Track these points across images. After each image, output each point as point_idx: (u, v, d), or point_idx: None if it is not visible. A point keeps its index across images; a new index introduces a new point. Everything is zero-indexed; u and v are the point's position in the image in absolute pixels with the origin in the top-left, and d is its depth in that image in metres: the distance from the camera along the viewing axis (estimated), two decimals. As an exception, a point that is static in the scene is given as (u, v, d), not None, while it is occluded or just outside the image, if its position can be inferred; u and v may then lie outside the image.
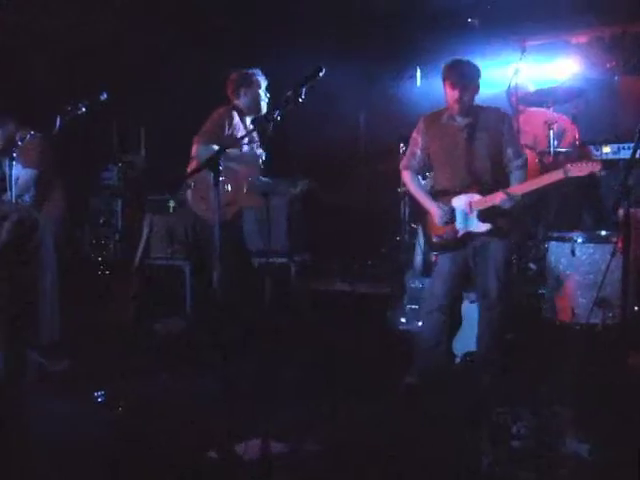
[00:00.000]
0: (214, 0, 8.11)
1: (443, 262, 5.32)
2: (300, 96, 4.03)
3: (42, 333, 5.61)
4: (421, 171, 5.54)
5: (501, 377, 5.17)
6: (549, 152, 6.60)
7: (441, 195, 5.27)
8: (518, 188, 5.01)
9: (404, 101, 8.69)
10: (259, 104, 5.97)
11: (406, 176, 5.48)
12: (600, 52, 8.38)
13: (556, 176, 4.93)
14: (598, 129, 7.23)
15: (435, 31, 8.60)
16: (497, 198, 5.00)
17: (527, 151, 5.64)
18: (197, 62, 8.32)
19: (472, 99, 5.08)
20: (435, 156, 5.34)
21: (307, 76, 4.06)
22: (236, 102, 5.96)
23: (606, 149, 6.62)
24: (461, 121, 5.14)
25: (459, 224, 5.16)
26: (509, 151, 5.12)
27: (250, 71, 5.99)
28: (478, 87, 5.09)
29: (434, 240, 5.31)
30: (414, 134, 5.41)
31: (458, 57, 5.15)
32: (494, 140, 5.10)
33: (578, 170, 4.81)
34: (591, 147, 6.76)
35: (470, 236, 5.15)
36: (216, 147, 5.33)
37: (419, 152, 5.37)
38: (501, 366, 5.22)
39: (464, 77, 5.01)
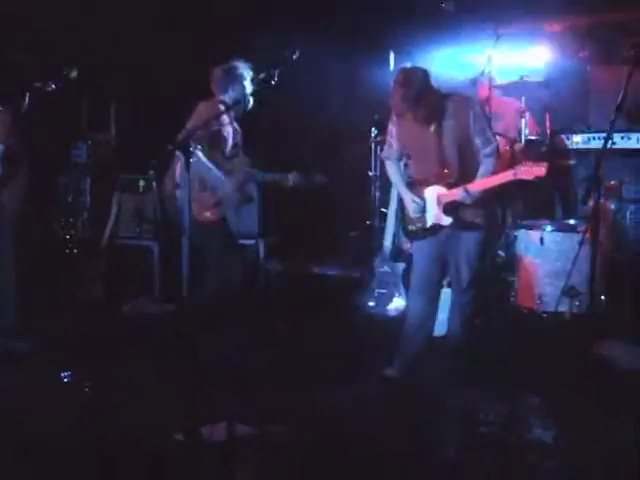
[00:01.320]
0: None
1: (418, 249, 5.38)
2: (273, 79, 4.02)
3: (3, 315, 5.60)
4: (400, 159, 5.53)
5: (469, 362, 5.22)
6: (520, 140, 6.64)
7: (416, 185, 5.30)
8: (475, 185, 4.99)
9: (376, 85, 8.68)
10: (246, 97, 5.87)
11: (388, 166, 5.51)
12: (573, 41, 8.39)
13: (507, 177, 4.92)
14: (569, 118, 7.26)
15: (409, 15, 8.59)
16: (457, 194, 5.02)
17: (498, 139, 5.65)
18: (169, 41, 8.25)
19: (430, 102, 5.06)
20: (408, 147, 5.37)
21: (280, 59, 4.04)
22: (222, 97, 5.87)
23: (577, 139, 6.64)
24: (424, 119, 5.13)
25: (428, 215, 5.19)
26: (477, 141, 5.08)
27: (235, 64, 5.89)
28: (431, 91, 5.03)
29: (408, 228, 5.36)
30: (389, 125, 5.41)
31: (404, 67, 5.14)
32: (462, 129, 5.06)
33: (526, 173, 4.80)
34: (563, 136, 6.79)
35: (439, 227, 5.17)
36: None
37: (394, 142, 5.39)
38: (469, 351, 5.27)
39: (410, 99, 4.91)
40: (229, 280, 5.83)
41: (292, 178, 6.00)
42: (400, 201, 5.44)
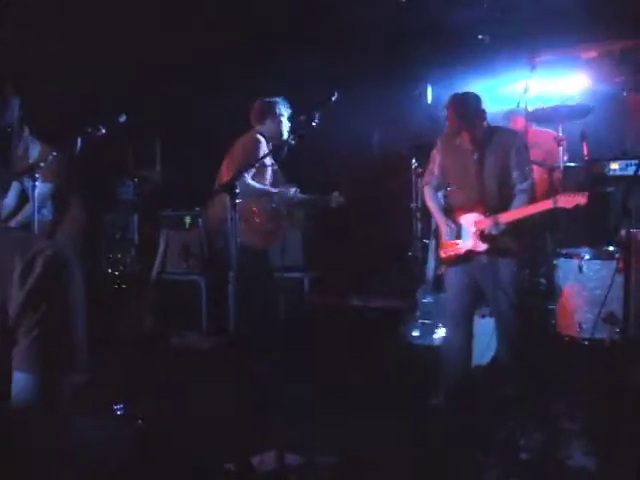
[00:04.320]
0: (230, 20, 8.22)
1: (450, 276, 5.50)
2: (313, 120, 4.17)
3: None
4: (439, 187, 5.68)
5: (514, 390, 5.31)
6: (559, 167, 6.71)
7: (452, 212, 5.47)
8: (506, 216, 5.14)
9: (416, 118, 8.79)
10: (281, 132, 6.11)
11: (425, 191, 5.68)
12: (609, 66, 8.43)
13: (545, 205, 5.10)
14: (606, 145, 7.30)
15: (445, 48, 8.70)
16: (487, 223, 5.16)
17: (536, 168, 5.76)
18: (212, 79, 8.45)
19: (480, 127, 5.22)
20: (449, 174, 5.54)
21: (320, 101, 4.20)
22: (259, 128, 6.10)
23: (614, 165, 6.69)
24: (473, 145, 5.29)
25: (463, 241, 5.34)
26: (514, 174, 5.23)
27: (274, 99, 6.14)
28: (483, 115, 5.23)
29: (442, 254, 5.51)
30: (433, 152, 5.61)
31: (457, 93, 5.30)
32: (503, 162, 5.23)
33: (566, 202, 4.96)
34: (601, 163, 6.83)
35: (473, 253, 5.30)
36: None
37: (436, 170, 5.57)
38: (522, 378, 5.36)
39: (466, 117, 5.15)
40: (271, 308, 6.00)
41: (334, 199, 6.25)
42: (436, 229, 5.59)
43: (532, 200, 5.26)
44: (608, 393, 4.80)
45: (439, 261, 5.63)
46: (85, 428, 4.17)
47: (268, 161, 5.89)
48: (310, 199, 6.46)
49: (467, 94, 5.27)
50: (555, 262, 5.99)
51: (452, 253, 5.41)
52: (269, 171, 6.08)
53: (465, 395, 5.37)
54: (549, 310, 6.13)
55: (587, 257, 5.70)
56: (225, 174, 5.97)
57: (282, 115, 6.12)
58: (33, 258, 1.78)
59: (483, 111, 5.22)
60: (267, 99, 6.17)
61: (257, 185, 5.88)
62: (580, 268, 5.65)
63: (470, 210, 5.32)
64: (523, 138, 5.43)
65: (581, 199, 4.93)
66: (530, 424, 4.76)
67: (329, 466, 4.24)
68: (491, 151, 5.25)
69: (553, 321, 5.96)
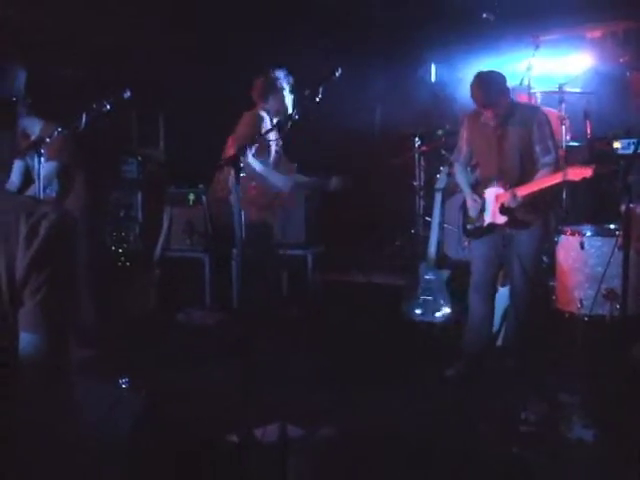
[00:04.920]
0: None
1: (475, 249, 5.67)
2: (317, 95, 4.19)
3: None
4: (468, 163, 5.84)
5: (521, 363, 5.42)
6: (561, 146, 6.73)
7: (479, 187, 5.63)
8: (522, 189, 5.26)
9: (419, 96, 8.80)
10: (285, 106, 6.15)
11: (455, 168, 5.87)
12: (614, 47, 8.43)
13: (556, 178, 5.19)
14: (609, 124, 7.32)
15: (450, 27, 8.70)
16: (506, 196, 5.26)
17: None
18: (216, 57, 8.46)
19: (504, 105, 5.28)
20: (475, 151, 5.69)
21: (324, 76, 4.22)
22: (264, 105, 6.13)
23: (616, 144, 6.71)
24: (496, 121, 5.36)
25: (486, 215, 5.49)
26: (537, 148, 5.34)
27: (275, 74, 6.16)
28: (508, 94, 5.29)
29: (468, 227, 5.67)
30: (461, 129, 5.76)
31: (482, 71, 5.36)
32: (525, 137, 5.34)
33: (573, 174, 5.06)
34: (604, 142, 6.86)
35: (495, 226, 5.44)
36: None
37: (464, 147, 5.73)
38: (524, 354, 5.49)
39: (492, 96, 5.22)
40: (274, 283, 6.06)
41: (333, 183, 6.30)
42: (464, 204, 5.70)
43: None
44: (607, 368, 4.85)
45: (464, 233, 5.70)
46: (91, 398, 4.22)
47: (272, 137, 5.91)
48: (308, 182, 6.52)
49: (492, 72, 5.35)
50: (556, 239, 6.02)
51: (477, 226, 5.56)
52: (272, 148, 6.11)
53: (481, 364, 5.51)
54: (550, 287, 6.17)
55: (589, 234, 5.72)
56: (229, 151, 6.00)
57: (284, 89, 6.15)
58: (38, 221, 1.82)
59: (507, 89, 5.31)
60: (268, 75, 6.18)
61: (257, 167, 5.91)
62: (582, 245, 5.68)
63: (493, 185, 5.46)
64: (544, 113, 5.49)
65: (588, 172, 5.03)
66: (531, 397, 4.81)
67: (331, 439, 4.29)
68: (514, 126, 5.36)
69: (554, 297, 5.99)
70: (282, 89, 6.13)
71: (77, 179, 6.27)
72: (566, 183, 5.22)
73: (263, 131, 5.89)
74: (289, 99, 6.15)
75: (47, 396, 1.89)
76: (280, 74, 6.18)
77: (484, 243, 5.56)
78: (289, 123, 4.65)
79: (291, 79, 6.18)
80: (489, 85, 5.24)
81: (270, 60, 6.37)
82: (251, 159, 5.81)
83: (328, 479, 3.97)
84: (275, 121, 6.08)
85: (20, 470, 1.86)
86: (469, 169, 5.89)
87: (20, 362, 1.85)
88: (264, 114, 6.06)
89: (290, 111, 6.08)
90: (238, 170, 3.91)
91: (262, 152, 5.98)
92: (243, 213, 4.31)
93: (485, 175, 5.61)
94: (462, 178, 5.75)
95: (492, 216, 5.43)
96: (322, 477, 3.98)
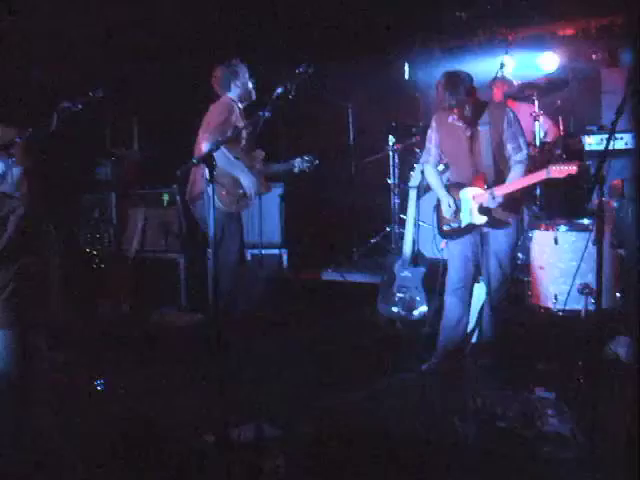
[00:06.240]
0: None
1: (452, 249, 5.62)
2: (290, 92, 4.18)
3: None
4: (438, 164, 5.81)
5: (496, 360, 5.44)
6: (534, 144, 6.75)
7: (452, 188, 5.59)
8: (502, 188, 5.25)
9: (392, 94, 8.82)
10: (250, 91, 6.16)
11: (426, 169, 5.81)
12: (586, 44, 8.49)
13: (539, 177, 5.20)
14: (582, 120, 7.37)
15: (423, 25, 8.72)
16: (484, 197, 5.28)
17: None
18: (188, 57, 8.42)
19: (471, 104, 5.26)
20: (446, 152, 5.67)
21: (297, 73, 4.20)
22: (229, 94, 6.11)
23: (589, 140, 6.76)
24: (464, 121, 5.35)
25: (463, 216, 5.48)
26: (509, 147, 5.34)
27: (234, 63, 6.15)
28: (473, 93, 5.27)
29: (443, 228, 5.63)
30: (429, 131, 5.72)
31: (448, 71, 5.34)
32: (495, 136, 5.32)
33: (558, 172, 5.06)
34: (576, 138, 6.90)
35: (473, 226, 5.44)
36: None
37: (433, 148, 5.69)
38: (499, 349, 5.50)
39: (457, 95, 5.19)
40: (248, 282, 6.05)
41: (297, 164, 6.34)
42: (438, 204, 5.68)
43: (529, 171, 5.36)
44: (583, 363, 4.89)
45: (440, 234, 5.69)
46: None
47: (241, 124, 5.90)
48: (273, 168, 6.51)
49: (458, 72, 5.32)
50: (531, 234, 6.05)
51: (453, 227, 5.54)
52: (243, 135, 6.06)
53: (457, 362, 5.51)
54: (524, 282, 6.20)
55: (563, 229, 5.75)
56: (200, 145, 5.93)
57: (245, 75, 6.14)
58: (6, 216, 1.80)
59: (473, 88, 5.28)
60: (226, 64, 6.17)
61: (228, 162, 5.86)
62: (556, 240, 5.71)
63: (468, 185, 5.44)
64: (513, 110, 5.48)
65: (572, 169, 5.03)
66: (507, 392, 4.82)
67: (307, 437, 4.28)
68: (483, 126, 5.33)
69: (529, 292, 6.02)
70: (243, 75, 6.12)
71: (44, 182, 6.20)
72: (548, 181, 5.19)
73: (234, 118, 5.90)
74: (251, 84, 6.14)
75: (17, 392, 1.88)
76: (236, 61, 6.16)
77: (461, 243, 5.54)
78: (261, 121, 4.63)
79: (246, 67, 6.17)
80: (455, 85, 5.22)
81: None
82: (222, 153, 5.75)
83: (305, 478, 3.95)
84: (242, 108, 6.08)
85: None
86: (439, 169, 5.87)
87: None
88: (232, 102, 6.04)
89: (254, 96, 6.08)
90: (212, 168, 3.89)
91: (233, 142, 5.93)
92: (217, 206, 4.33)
93: (458, 176, 5.59)
94: (434, 179, 5.73)
95: (470, 216, 5.43)
96: (299, 476, 3.96)
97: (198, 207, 6.06)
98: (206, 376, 4.17)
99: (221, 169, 5.69)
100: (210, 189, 3.98)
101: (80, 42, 7.87)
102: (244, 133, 6.01)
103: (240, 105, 6.13)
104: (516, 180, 5.28)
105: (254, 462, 3.90)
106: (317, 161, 6.54)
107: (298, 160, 6.50)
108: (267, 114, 4.27)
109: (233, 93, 6.13)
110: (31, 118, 5.49)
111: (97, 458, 4.02)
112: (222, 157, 5.73)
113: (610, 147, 3.90)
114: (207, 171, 3.90)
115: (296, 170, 6.51)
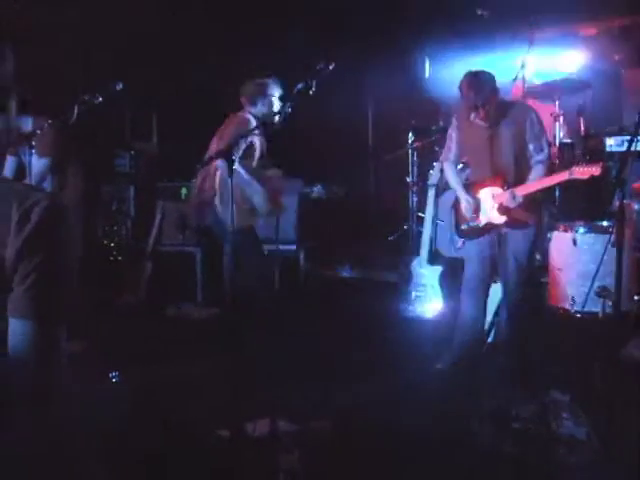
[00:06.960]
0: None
1: (470, 249, 5.62)
2: (311, 89, 4.18)
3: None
4: (458, 162, 5.83)
5: (513, 361, 5.41)
6: (554, 144, 6.72)
7: (472, 187, 5.60)
8: (522, 189, 5.25)
9: (413, 92, 8.79)
10: (273, 113, 6.09)
11: (445, 167, 5.82)
12: (608, 44, 8.44)
13: (561, 177, 5.21)
14: (603, 121, 7.32)
15: (444, 22, 8.69)
16: (505, 196, 5.26)
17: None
18: (208, 52, 8.43)
19: (494, 104, 5.25)
20: (466, 151, 5.69)
21: (318, 69, 4.20)
22: (252, 110, 6.06)
23: (610, 141, 6.71)
24: (487, 121, 5.34)
25: (482, 215, 5.47)
26: (530, 146, 5.34)
27: (265, 80, 6.09)
28: (497, 93, 5.26)
29: (462, 227, 5.63)
30: (449, 129, 5.74)
31: (472, 70, 5.32)
32: (517, 136, 5.32)
33: (581, 172, 5.05)
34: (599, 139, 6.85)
35: (492, 226, 5.42)
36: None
37: (453, 146, 5.70)
38: (516, 350, 5.47)
39: (481, 95, 5.17)
40: (261, 283, 6.03)
41: (316, 190, 6.30)
42: (456, 203, 5.68)
43: (550, 171, 5.35)
44: (599, 365, 4.86)
45: (458, 233, 5.67)
46: (80, 392, 4.19)
47: (257, 140, 5.88)
48: (291, 188, 6.48)
49: (481, 72, 5.30)
50: (549, 236, 6.02)
51: (472, 226, 5.52)
52: (257, 152, 6.03)
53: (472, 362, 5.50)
54: (542, 284, 6.17)
55: (581, 231, 5.72)
56: (212, 151, 5.90)
57: (273, 96, 6.09)
58: (30, 208, 1.80)
59: (497, 88, 5.28)
60: (258, 80, 6.13)
61: (242, 176, 5.81)
62: (574, 241, 5.68)
63: (488, 184, 5.43)
64: (535, 111, 5.46)
65: (595, 170, 5.01)
66: (522, 394, 4.80)
67: (323, 432, 4.28)
68: (505, 126, 5.33)
69: (546, 294, 5.99)
70: (271, 95, 6.07)
71: (71, 172, 6.24)
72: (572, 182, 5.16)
73: (249, 135, 5.86)
74: (277, 106, 6.08)
75: (35, 383, 1.88)
76: (270, 80, 6.12)
77: (479, 243, 5.53)
78: (278, 117, 4.64)
79: (280, 87, 6.11)
80: (479, 85, 5.21)
81: (262, 57, 6.32)
82: (237, 166, 5.72)
83: (320, 473, 3.94)
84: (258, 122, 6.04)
85: (6, 459, 1.85)
86: (458, 168, 5.86)
87: (9, 349, 1.83)
88: (252, 118, 5.99)
89: (277, 120, 6.04)
90: (231, 163, 3.89)
91: (247, 156, 5.91)
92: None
93: (478, 175, 5.59)
94: (454, 178, 5.72)
95: (489, 216, 5.41)
96: (314, 471, 3.96)
97: (207, 215, 6.05)
98: (221, 371, 4.17)
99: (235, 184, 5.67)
100: (229, 183, 3.97)
101: (103, 36, 7.90)
102: (258, 151, 5.98)
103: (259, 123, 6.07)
104: (538, 180, 5.27)
105: (269, 458, 3.91)
106: (342, 193, 6.50)
107: (318, 187, 6.44)
108: (288, 109, 4.27)
109: (257, 110, 6.07)
110: (52, 109, 5.54)
111: (111, 453, 4.03)
112: (237, 174, 5.70)
113: (632, 149, 3.87)
114: (226, 167, 3.89)
115: (314, 196, 6.47)
